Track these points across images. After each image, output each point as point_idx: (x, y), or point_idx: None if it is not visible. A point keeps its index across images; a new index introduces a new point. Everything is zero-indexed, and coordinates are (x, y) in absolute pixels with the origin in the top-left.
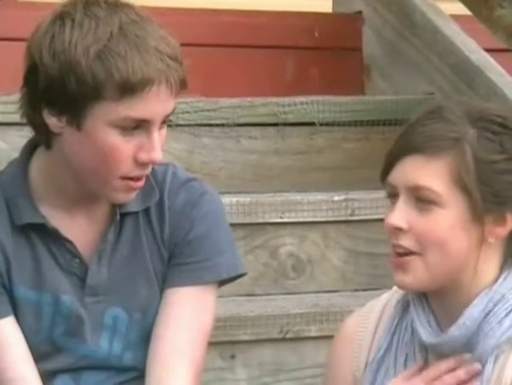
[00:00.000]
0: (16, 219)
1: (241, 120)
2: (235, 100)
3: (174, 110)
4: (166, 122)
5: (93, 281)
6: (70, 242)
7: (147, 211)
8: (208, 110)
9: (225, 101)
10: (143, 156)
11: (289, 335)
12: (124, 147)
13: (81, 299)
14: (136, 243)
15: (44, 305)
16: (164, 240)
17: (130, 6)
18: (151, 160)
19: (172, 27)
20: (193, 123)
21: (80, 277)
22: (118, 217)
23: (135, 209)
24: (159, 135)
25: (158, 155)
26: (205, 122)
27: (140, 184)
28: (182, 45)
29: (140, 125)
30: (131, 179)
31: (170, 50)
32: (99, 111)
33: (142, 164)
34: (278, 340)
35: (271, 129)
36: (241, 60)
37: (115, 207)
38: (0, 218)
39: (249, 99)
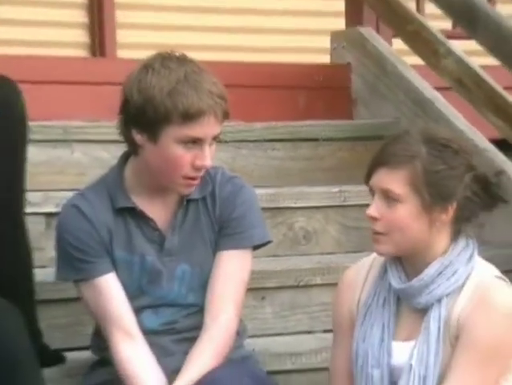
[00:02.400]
0: (115, 204)
1: (269, 137)
2: (264, 124)
3: (221, 132)
4: (216, 140)
5: (168, 246)
6: (152, 220)
7: (204, 198)
8: (245, 131)
9: (257, 125)
10: (198, 163)
11: (301, 284)
12: (185, 156)
13: (160, 259)
14: (196, 220)
15: (134, 263)
16: (216, 217)
17: (192, 61)
18: (203, 165)
19: (220, 74)
20: (235, 139)
21: (159, 244)
22: (185, 203)
23: (196, 197)
24: (210, 149)
25: (208, 162)
26: (243, 139)
27: (197, 181)
28: (226, 86)
29: (196, 141)
30: (190, 178)
31: (218, 91)
32: (168, 131)
33: (197, 168)
34: (294, 287)
35: (289, 144)
36: (268, 96)
37: (182, 196)
38: (105, 204)
39: (273, 123)
